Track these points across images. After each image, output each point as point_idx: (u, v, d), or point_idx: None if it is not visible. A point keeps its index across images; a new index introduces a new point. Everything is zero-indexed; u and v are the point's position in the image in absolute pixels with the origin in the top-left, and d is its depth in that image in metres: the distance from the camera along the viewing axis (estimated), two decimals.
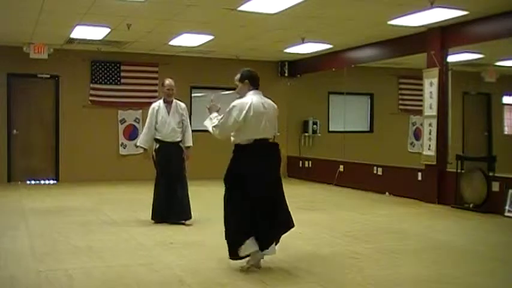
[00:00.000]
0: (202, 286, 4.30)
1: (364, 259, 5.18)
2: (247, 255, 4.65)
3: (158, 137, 6.88)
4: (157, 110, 6.92)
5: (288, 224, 4.84)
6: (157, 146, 6.90)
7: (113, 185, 11.02)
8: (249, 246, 4.60)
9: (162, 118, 6.86)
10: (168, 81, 6.97)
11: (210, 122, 4.88)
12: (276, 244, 4.79)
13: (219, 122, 4.76)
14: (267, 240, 4.69)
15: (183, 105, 7.12)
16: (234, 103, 4.73)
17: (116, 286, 4.27)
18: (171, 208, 6.77)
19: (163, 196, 6.83)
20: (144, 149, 6.98)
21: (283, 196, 4.84)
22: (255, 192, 4.60)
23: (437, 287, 4.40)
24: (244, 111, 4.63)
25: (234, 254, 4.67)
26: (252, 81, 4.86)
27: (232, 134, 4.76)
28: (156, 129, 6.88)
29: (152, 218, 6.89)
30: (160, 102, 7.00)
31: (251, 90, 4.83)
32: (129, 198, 9.45)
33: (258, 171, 4.63)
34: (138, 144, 7.11)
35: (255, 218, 4.61)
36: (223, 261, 5.02)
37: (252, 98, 4.74)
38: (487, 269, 4.97)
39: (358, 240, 6.05)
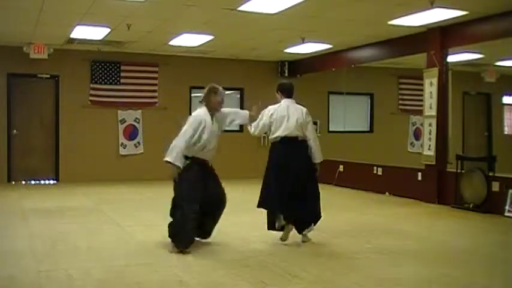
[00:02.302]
0: (202, 286, 4.30)
1: (364, 259, 5.18)
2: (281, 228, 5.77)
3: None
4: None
5: (298, 214, 5.76)
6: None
7: (113, 185, 11.02)
8: (280, 220, 5.75)
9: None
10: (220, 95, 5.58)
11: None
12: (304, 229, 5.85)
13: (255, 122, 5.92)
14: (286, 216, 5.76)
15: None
16: (267, 108, 5.89)
17: (116, 286, 4.27)
18: None
19: None
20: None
21: (306, 192, 5.79)
22: (277, 178, 5.66)
23: (437, 287, 4.40)
24: (270, 114, 5.81)
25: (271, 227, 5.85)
26: (283, 92, 5.98)
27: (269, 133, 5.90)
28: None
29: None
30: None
31: (283, 99, 5.93)
32: (129, 198, 9.44)
33: (279, 162, 5.72)
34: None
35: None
36: (223, 261, 5.03)
37: (280, 105, 5.87)
38: (487, 269, 4.97)
39: (358, 240, 6.05)
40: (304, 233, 5.85)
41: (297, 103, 5.99)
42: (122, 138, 12.21)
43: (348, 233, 6.43)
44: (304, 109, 5.94)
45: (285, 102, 5.91)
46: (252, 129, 5.96)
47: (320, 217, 5.93)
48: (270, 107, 5.91)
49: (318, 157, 6.08)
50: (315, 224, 5.94)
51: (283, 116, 5.80)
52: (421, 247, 5.78)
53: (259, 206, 5.82)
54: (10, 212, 7.74)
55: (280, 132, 5.78)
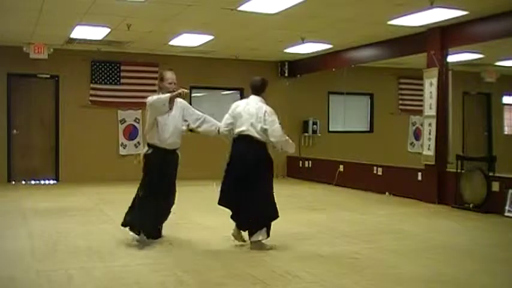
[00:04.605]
0: (202, 286, 4.30)
1: (364, 259, 5.18)
2: None
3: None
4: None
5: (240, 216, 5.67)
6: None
7: (113, 185, 11.00)
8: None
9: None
10: (170, 74, 5.74)
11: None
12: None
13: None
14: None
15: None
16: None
17: (116, 286, 4.27)
18: None
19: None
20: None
21: (253, 192, 5.50)
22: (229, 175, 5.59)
23: (437, 287, 4.40)
24: (232, 109, 5.74)
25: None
26: (250, 88, 5.81)
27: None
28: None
29: None
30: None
31: (251, 95, 5.77)
32: (129, 198, 9.34)
33: (231, 159, 5.63)
34: None
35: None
36: (224, 261, 5.03)
37: (240, 103, 5.79)
38: (487, 269, 4.97)
39: (358, 240, 6.05)
40: (252, 239, 5.52)
41: (264, 102, 5.68)
42: (122, 138, 12.22)
43: (348, 233, 6.43)
44: (265, 109, 5.56)
45: (248, 99, 5.76)
46: (221, 124, 5.80)
47: (268, 220, 5.54)
48: (235, 103, 5.85)
49: (283, 148, 5.71)
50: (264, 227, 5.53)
51: (239, 113, 5.62)
52: (421, 247, 5.78)
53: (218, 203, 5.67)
54: (10, 212, 7.74)
55: (237, 130, 5.62)
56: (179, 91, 5.39)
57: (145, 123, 5.90)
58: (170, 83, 5.65)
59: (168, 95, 5.40)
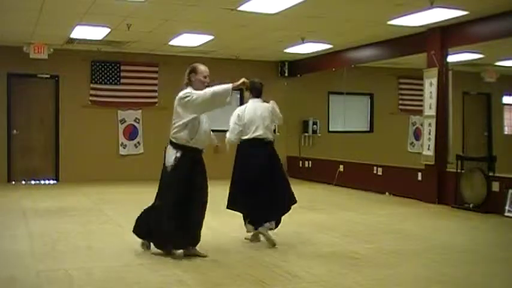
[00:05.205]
0: (202, 286, 4.30)
1: (364, 259, 5.18)
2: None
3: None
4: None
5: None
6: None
7: (113, 185, 11.02)
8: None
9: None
10: (204, 67, 5.28)
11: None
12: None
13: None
14: None
15: None
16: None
17: (116, 286, 4.27)
18: None
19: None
20: None
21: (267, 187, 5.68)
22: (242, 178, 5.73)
23: (437, 287, 4.40)
24: (238, 117, 5.82)
25: None
26: (252, 91, 5.96)
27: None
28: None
29: None
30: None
31: (251, 98, 5.94)
32: (129, 198, 9.43)
33: (244, 162, 5.79)
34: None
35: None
36: (223, 261, 5.03)
37: (246, 106, 5.87)
38: (487, 269, 4.97)
39: (358, 240, 6.05)
40: (260, 229, 5.68)
41: (264, 101, 5.94)
42: (122, 138, 12.22)
43: (348, 233, 6.43)
44: (270, 108, 5.86)
45: (252, 103, 5.89)
46: (227, 135, 5.81)
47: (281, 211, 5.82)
48: (237, 109, 5.92)
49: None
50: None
51: (251, 119, 5.74)
52: (421, 247, 5.78)
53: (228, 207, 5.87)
54: (10, 212, 7.74)
55: (251, 135, 5.72)
56: (243, 80, 5.12)
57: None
58: (205, 77, 5.22)
59: (229, 85, 5.00)
